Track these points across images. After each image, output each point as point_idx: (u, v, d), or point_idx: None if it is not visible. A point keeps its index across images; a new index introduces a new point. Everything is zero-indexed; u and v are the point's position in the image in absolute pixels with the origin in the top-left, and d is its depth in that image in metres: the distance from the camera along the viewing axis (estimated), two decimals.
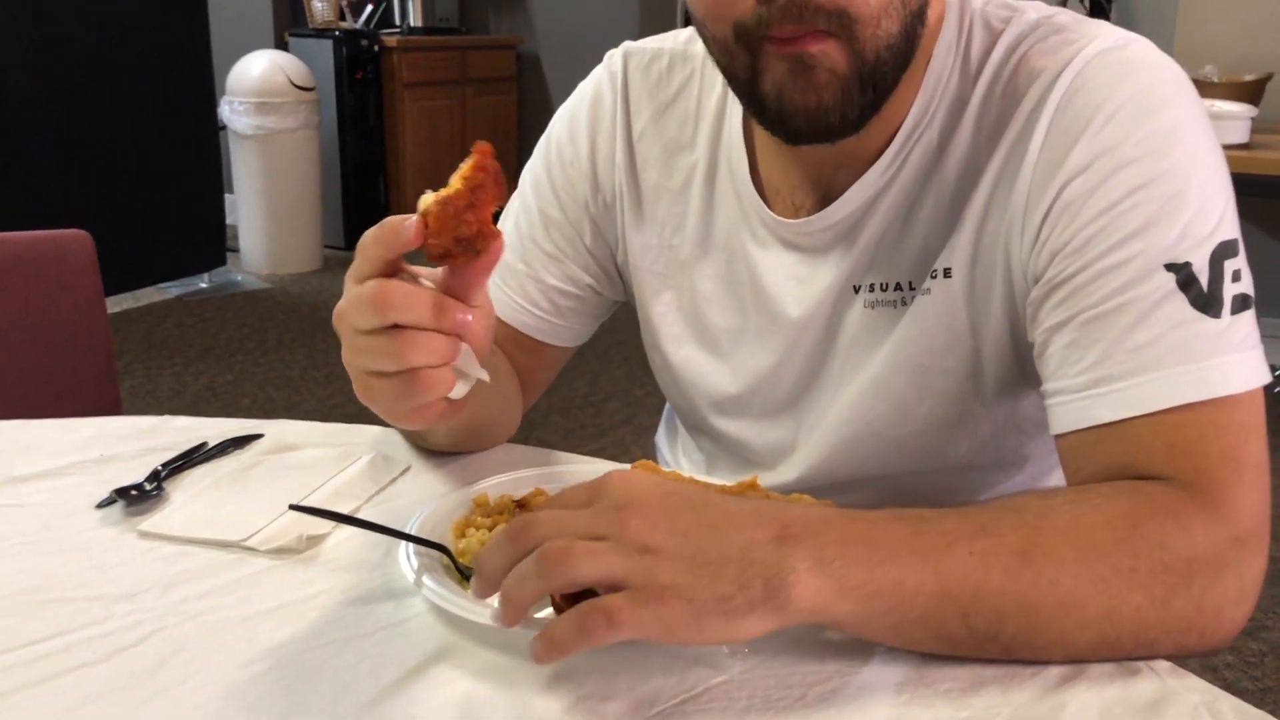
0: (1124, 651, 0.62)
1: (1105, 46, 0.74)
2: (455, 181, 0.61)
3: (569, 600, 0.60)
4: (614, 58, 0.95)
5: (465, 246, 0.61)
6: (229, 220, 4.45)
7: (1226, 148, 2.73)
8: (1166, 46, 3.23)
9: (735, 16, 0.71)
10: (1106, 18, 3.54)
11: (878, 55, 0.72)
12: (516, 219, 0.97)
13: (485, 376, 0.67)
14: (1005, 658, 0.62)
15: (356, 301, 0.62)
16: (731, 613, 0.56)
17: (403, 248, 0.61)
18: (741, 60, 0.73)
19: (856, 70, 0.71)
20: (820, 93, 0.72)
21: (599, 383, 3.45)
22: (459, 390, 0.65)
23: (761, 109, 0.75)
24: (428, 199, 0.61)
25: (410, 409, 0.64)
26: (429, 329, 0.62)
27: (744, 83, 0.75)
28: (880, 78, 0.73)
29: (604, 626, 0.56)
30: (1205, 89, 3.03)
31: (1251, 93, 3.03)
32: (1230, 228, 0.71)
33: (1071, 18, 0.78)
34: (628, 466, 0.70)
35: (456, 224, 0.60)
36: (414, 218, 0.61)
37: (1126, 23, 3.89)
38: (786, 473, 0.90)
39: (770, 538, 0.58)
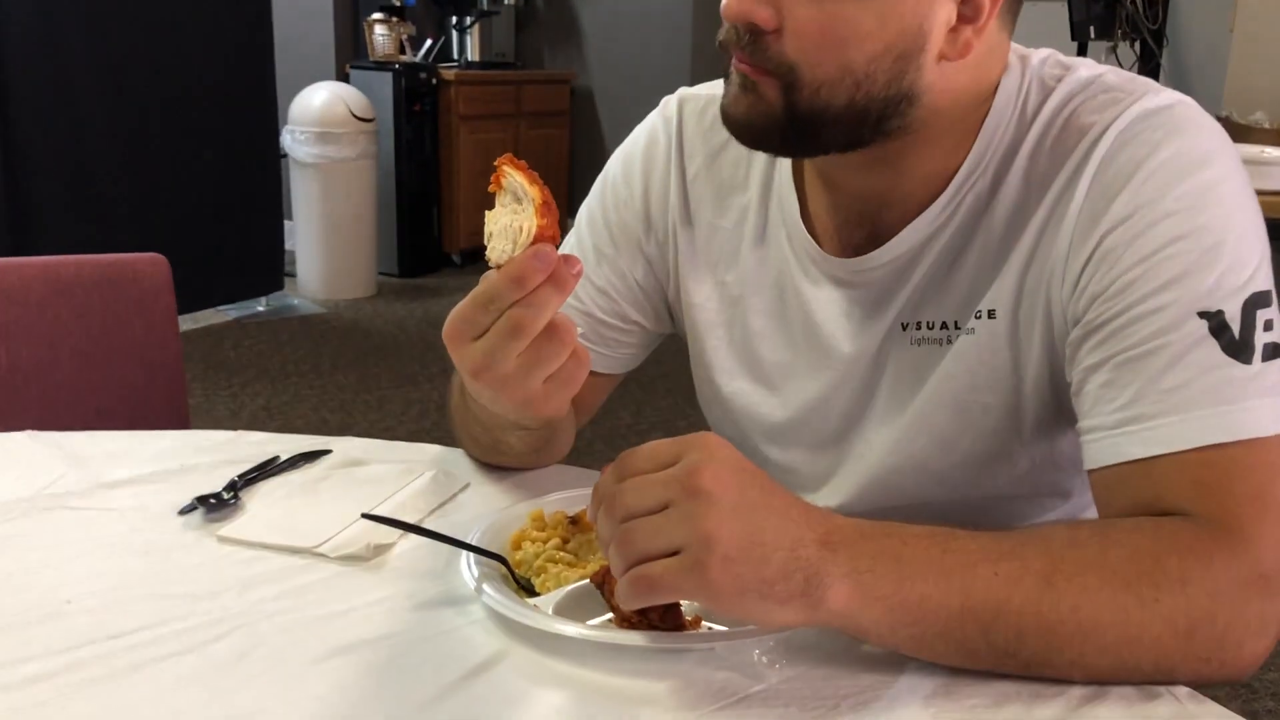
0: (1143, 676, 0.66)
1: (1151, 106, 0.78)
2: (531, 191, 0.67)
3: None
4: (669, 104, 1.00)
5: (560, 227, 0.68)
6: (287, 246, 4.56)
7: (1277, 193, 2.69)
8: (1217, 93, 3.23)
9: (720, 32, 0.80)
10: (1158, 64, 3.56)
11: (811, 111, 0.78)
12: (571, 254, 1.02)
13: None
14: (1025, 674, 0.66)
15: (492, 288, 0.67)
16: (770, 597, 0.62)
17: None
18: (724, 62, 0.82)
19: (788, 116, 0.78)
20: (750, 113, 0.80)
21: (643, 412, 3.50)
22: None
23: (720, 103, 0.84)
24: (523, 219, 0.67)
25: (565, 377, 0.70)
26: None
27: (725, 79, 0.83)
28: (812, 128, 0.79)
29: (646, 591, 0.63)
30: (1256, 135, 3.03)
31: None
32: (1264, 280, 0.74)
33: (1121, 77, 0.82)
34: None
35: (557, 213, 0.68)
36: (548, 247, 0.67)
37: (1177, 70, 3.90)
38: (830, 498, 0.94)
39: (816, 538, 0.64)
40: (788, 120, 0.78)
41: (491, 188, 0.69)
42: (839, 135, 0.80)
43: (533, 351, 0.68)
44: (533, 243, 0.66)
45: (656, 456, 0.66)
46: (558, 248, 0.68)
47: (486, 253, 0.68)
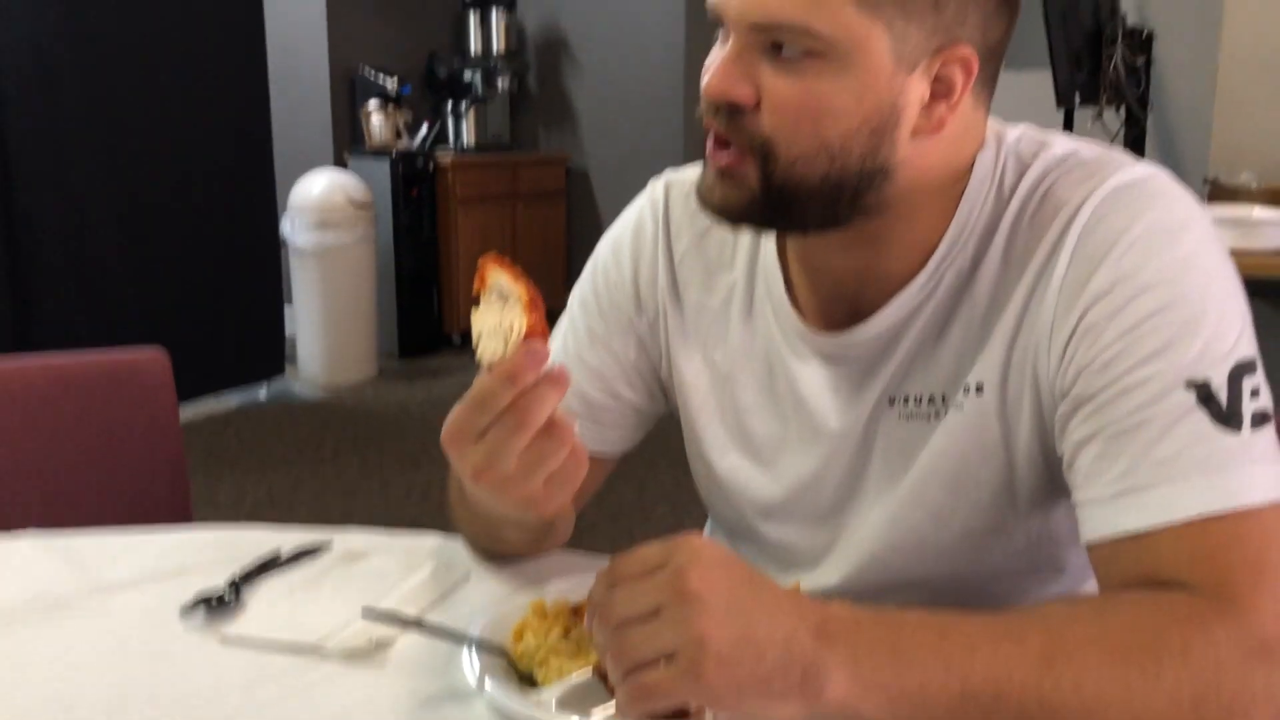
0: None
1: (1125, 180, 0.80)
2: (516, 289, 0.68)
3: None
4: (656, 186, 1.03)
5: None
6: (288, 331, 4.59)
7: (1266, 253, 2.72)
8: (1204, 156, 3.27)
9: (700, 108, 0.83)
10: (1142, 129, 3.61)
11: (786, 185, 0.80)
12: (564, 337, 1.03)
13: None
14: None
15: (487, 388, 0.69)
16: (769, 694, 0.62)
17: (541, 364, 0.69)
18: (702, 137, 0.84)
19: (764, 190, 0.80)
20: (726, 198, 0.82)
21: (646, 489, 3.49)
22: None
23: (696, 186, 0.86)
24: (511, 317, 0.68)
25: (565, 476, 0.72)
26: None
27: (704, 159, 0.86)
28: (789, 203, 0.81)
29: (645, 699, 0.63)
30: (1244, 195, 3.06)
31: None
32: (1247, 347, 0.75)
33: (1095, 152, 0.84)
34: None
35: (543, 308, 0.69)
36: (539, 343, 0.68)
37: (1163, 134, 3.96)
38: (829, 575, 0.94)
39: (811, 630, 0.64)
40: (764, 195, 0.80)
41: (476, 288, 0.70)
42: (816, 210, 0.81)
43: (533, 451, 0.69)
44: (523, 339, 0.67)
45: (645, 561, 0.66)
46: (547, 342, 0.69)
47: (477, 354, 0.69)
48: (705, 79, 0.80)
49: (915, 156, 0.81)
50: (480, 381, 0.69)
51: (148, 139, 3.79)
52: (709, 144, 0.82)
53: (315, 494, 3.47)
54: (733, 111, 0.79)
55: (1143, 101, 3.64)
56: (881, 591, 0.91)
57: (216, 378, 4.16)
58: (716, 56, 0.81)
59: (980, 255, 0.84)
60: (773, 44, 0.77)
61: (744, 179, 0.80)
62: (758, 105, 0.79)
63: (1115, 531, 0.73)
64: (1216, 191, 3.17)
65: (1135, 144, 3.61)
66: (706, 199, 0.84)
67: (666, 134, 5.55)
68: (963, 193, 0.84)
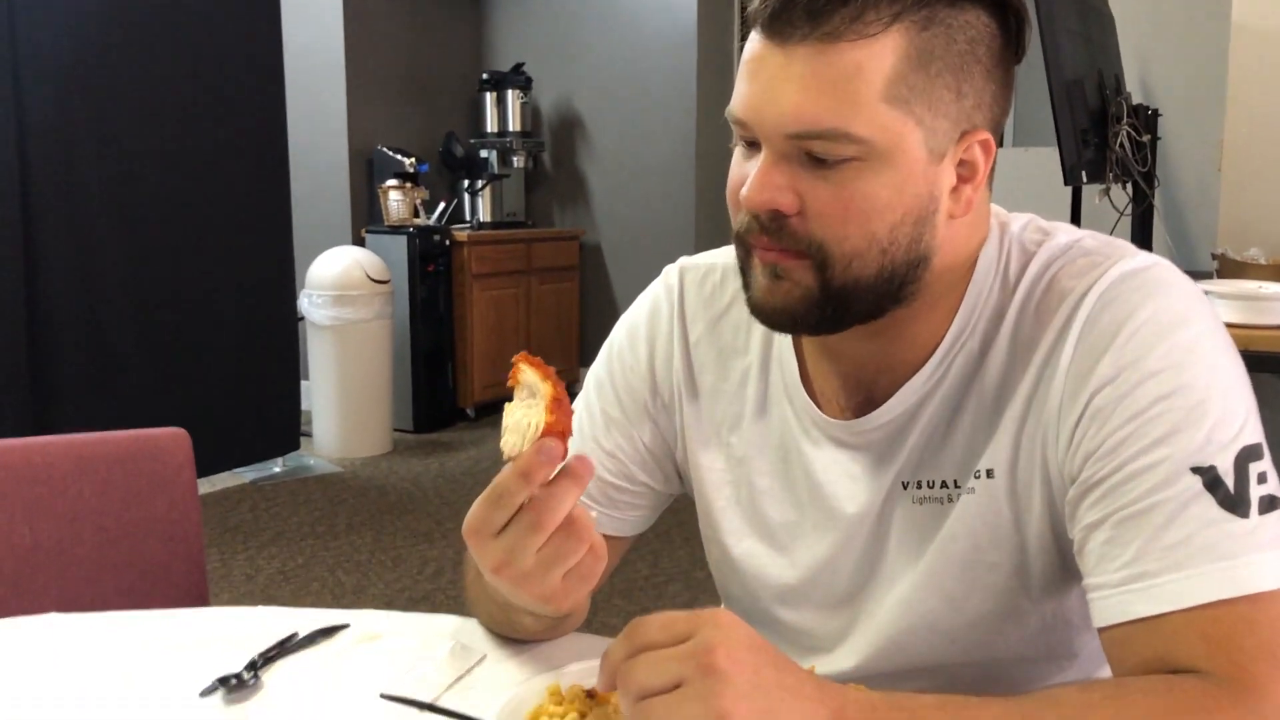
0: None
1: (1128, 269, 0.81)
2: (543, 388, 0.70)
3: None
4: (670, 272, 1.05)
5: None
6: (304, 406, 4.62)
7: (1274, 328, 2.71)
8: (1211, 231, 3.29)
9: (736, 218, 0.83)
10: (1151, 205, 3.65)
11: (844, 286, 0.80)
12: (579, 419, 1.04)
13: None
14: None
15: (502, 484, 0.70)
16: None
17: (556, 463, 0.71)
18: (740, 253, 0.85)
19: (823, 290, 0.81)
20: (787, 299, 0.82)
21: (660, 564, 3.47)
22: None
23: (747, 296, 0.86)
24: (534, 414, 0.70)
25: (583, 573, 0.74)
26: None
27: (741, 272, 0.86)
28: (845, 302, 0.81)
29: None
30: (1252, 271, 3.08)
31: None
32: (1253, 433, 0.77)
33: (1098, 241, 0.86)
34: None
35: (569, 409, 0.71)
36: (553, 442, 0.70)
37: (1170, 210, 3.99)
38: (844, 659, 0.94)
39: (829, 714, 0.65)
40: (823, 297, 0.81)
41: (510, 382, 0.72)
42: (866, 306, 0.82)
43: (551, 548, 0.71)
44: (540, 438, 0.69)
45: (670, 628, 0.67)
46: (567, 442, 0.71)
47: (501, 443, 0.71)
48: (742, 192, 0.80)
49: (947, 240, 0.83)
50: (500, 476, 0.71)
51: (166, 215, 3.84)
52: (757, 252, 0.82)
53: (329, 569, 3.47)
54: (775, 219, 0.80)
55: (1149, 178, 3.68)
56: (897, 677, 0.91)
57: (233, 453, 4.17)
58: (745, 168, 0.81)
59: (988, 343, 0.86)
60: (808, 150, 0.78)
61: (800, 278, 0.81)
62: (801, 212, 0.79)
63: (1126, 617, 0.74)
64: (1225, 266, 3.19)
65: (1143, 219, 3.64)
66: (766, 302, 0.83)
67: (678, 209, 5.63)
68: (969, 281, 0.86)
